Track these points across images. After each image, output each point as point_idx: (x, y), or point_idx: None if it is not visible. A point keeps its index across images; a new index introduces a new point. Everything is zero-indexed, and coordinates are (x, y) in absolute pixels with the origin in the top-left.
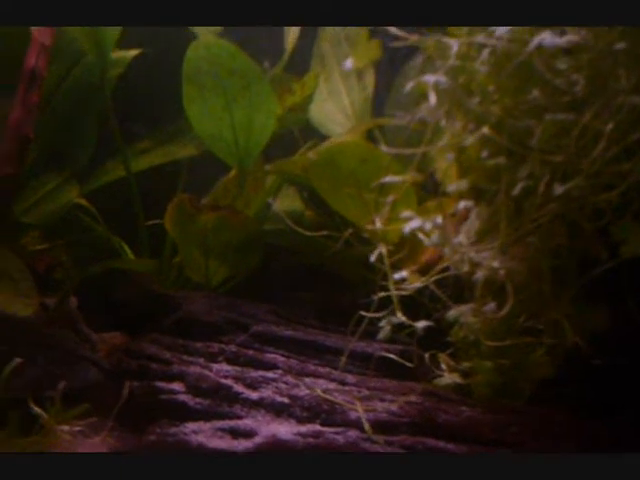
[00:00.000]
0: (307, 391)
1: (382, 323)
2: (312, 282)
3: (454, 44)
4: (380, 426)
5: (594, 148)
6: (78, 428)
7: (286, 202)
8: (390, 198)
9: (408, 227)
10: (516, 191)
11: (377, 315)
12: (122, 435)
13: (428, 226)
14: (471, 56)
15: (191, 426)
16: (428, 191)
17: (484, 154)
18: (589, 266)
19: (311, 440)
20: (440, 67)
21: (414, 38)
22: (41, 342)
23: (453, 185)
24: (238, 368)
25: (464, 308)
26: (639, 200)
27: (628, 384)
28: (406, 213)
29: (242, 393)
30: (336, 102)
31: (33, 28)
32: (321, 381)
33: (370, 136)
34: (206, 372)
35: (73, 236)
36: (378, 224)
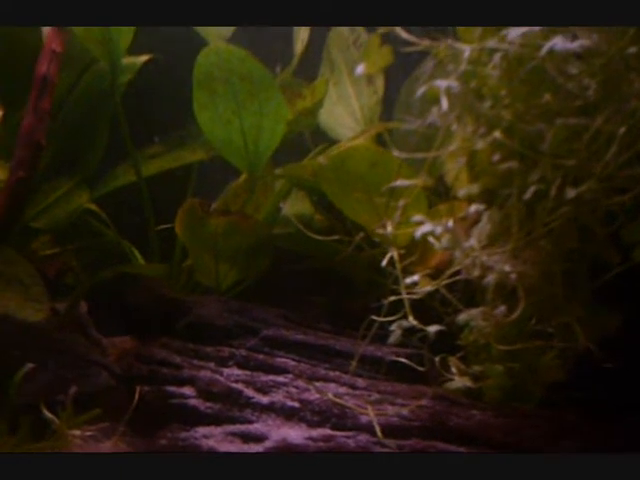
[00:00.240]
0: (318, 395)
1: (393, 327)
2: (322, 286)
3: (466, 49)
4: (391, 430)
5: (606, 152)
6: (89, 433)
7: (296, 206)
8: (401, 202)
9: (419, 231)
10: (528, 195)
11: (388, 319)
12: (133, 440)
13: (439, 230)
14: (482, 61)
15: (202, 430)
16: (439, 195)
17: (496, 158)
18: (601, 270)
19: (322, 444)
20: (452, 72)
21: (425, 43)
22: (52, 347)
23: (464, 189)
24: (248, 372)
25: (474, 312)
26: None
27: (639, 387)
28: (417, 217)
29: (253, 397)
30: (345, 106)
31: (45, 34)
32: (332, 385)
33: (379, 140)
34: (217, 376)
35: (83, 241)
36: (389, 228)
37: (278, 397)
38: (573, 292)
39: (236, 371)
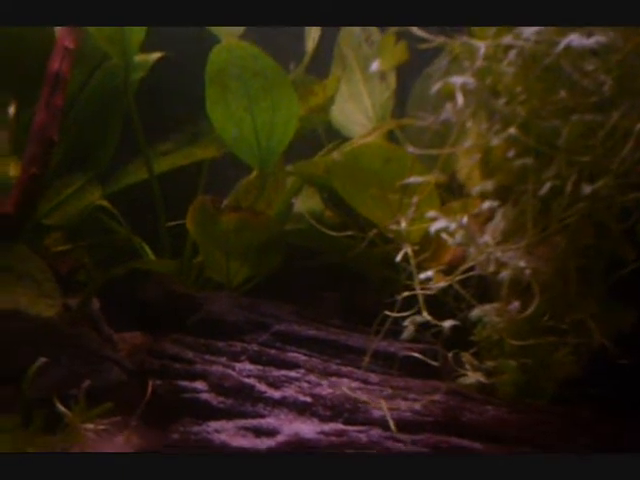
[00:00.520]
0: (330, 390)
1: (406, 323)
2: (335, 282)
3: (481, 46)
4: (404, 425)
5: (622, 148)
6: (102, 427)
7: (307, 203)
8: (415, 198)
9: (433, 227)
10: (543, 191)
11: (401, 315)
12: (146, 434)
13: (453, 226)
14: (498, 57)
15: (214, 425)
16: (451, 192)
17: (511, 154)
18: (616, 266)
19: (334, 439)
20: (467, 68)
21: (440, 40)
22: (64, 342)
23: (479, 186)
24: (260, 367)
25: (488, 307)
26: None
27: None
28: (431, 213)
29: (265, 392)
30: (357, 103)
31: (57, 31)
32: (344, 380)
33: (392, 137)
34: (229, 371)
35: (95, 238)
36: (402, 224)
37: (290, 392)
38: (588, 288)
39: (248, 366)
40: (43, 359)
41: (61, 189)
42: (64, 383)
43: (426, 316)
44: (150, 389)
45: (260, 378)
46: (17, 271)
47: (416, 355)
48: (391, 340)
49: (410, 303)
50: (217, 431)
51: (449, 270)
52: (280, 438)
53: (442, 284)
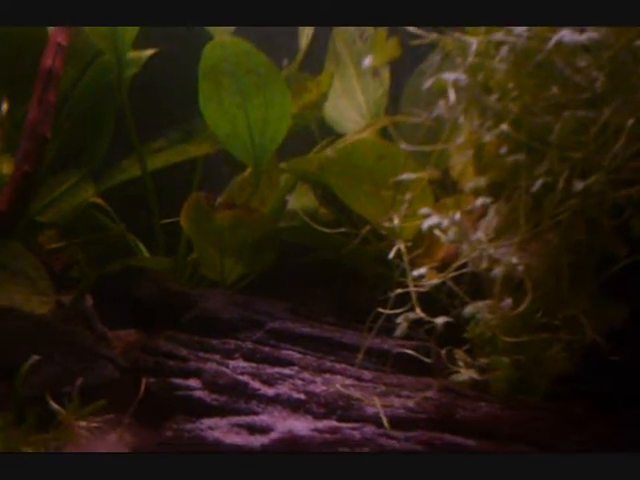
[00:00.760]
0: (323, 387)
1: (399, 319)
2: (329, 279)
3: (473, 42)
4: (397, 422)
5: (614, 144)
6: (95, 424)
7: (301, 200)
8: (407, 195)
9: (426, 224)
10: (535, 187)
11: (395, 312)
12: (139, 431)
13: (445, 223)
14: (490, 54)
15: (208, 422)
16: (445, 188)
17: (503, 151)
18: (608, 262)
19: (328, 436)
20: (459, 65)
21: (432, 36)
22: (58, 340)
23: (471, 183)
24: (254, 365)
25: (481, 304)
26: None
27: None
28: (424, 210)
29: (258, 389)
30: (351, 100)
31: (50, 28)
32: (338, 377)
33: (385, 134)
34: (222, 369)
35: (89, 235)
36: (395, 221)
37: (284, 389)
38: (580, 284)
39: (242, 363)
40: (36, 357)
41: (54, 186)
42: (57, 380)
43: (419, 313)
44: (144, 386)
45: (254, 375)
46: (11, 268)
47: (409, 352)
48: (384, 337)
49: (403, 300)
50: (211, 428)
51: (442, 267)
52: (274, 435)
53: (435, 281)
